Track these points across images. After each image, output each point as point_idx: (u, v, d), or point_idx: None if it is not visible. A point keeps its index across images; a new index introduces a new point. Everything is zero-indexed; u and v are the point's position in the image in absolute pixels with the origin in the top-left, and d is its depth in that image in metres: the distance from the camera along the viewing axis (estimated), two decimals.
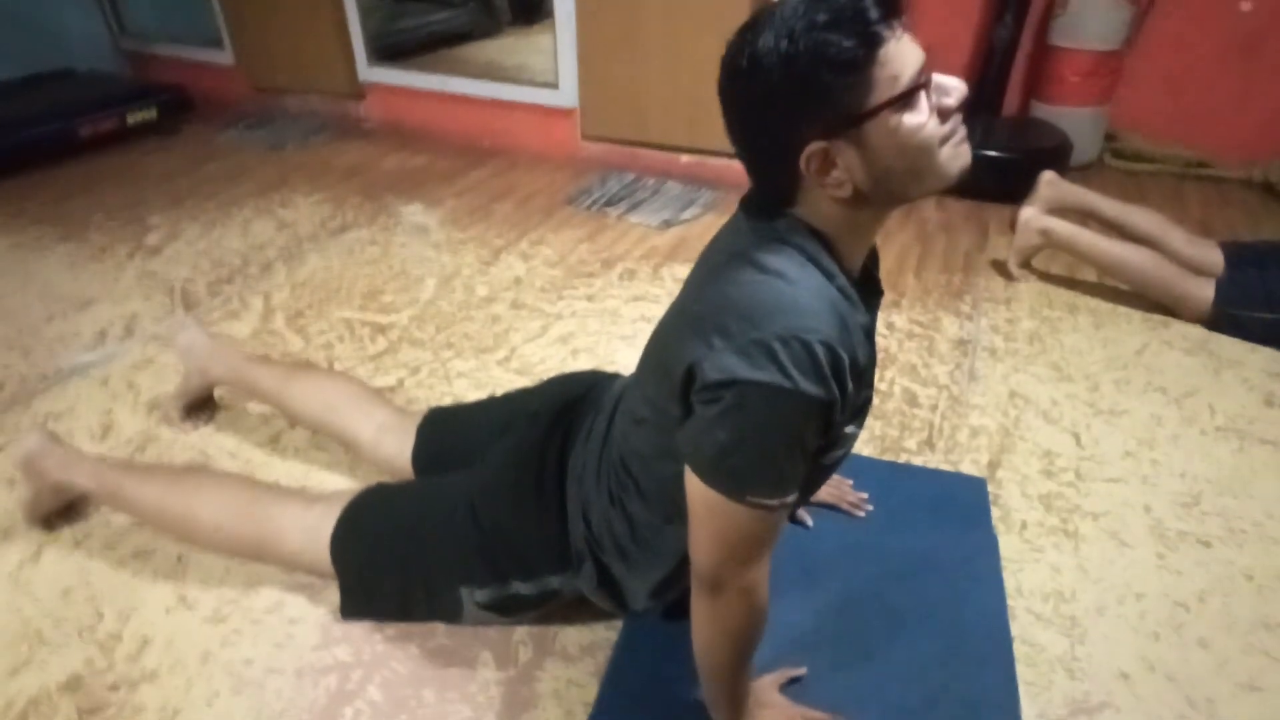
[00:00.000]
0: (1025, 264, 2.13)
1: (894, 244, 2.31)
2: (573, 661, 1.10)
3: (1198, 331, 1.89)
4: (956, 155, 0.74)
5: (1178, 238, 2.01)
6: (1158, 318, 1.94)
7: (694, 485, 0.78)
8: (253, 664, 1.08)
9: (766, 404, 0.72)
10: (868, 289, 0.86)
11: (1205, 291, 1.90)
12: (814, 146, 0.71)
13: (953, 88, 0.72)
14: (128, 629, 1.12)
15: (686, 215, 2.47)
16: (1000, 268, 2.16)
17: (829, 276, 0.77)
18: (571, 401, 1.12)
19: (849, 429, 0.87)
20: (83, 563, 1.22)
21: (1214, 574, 1.27)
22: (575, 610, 1.13)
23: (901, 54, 0.68)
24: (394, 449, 1.26)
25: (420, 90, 3.11)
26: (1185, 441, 1.54)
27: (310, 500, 1.15)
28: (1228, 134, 2.83)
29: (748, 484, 0.75)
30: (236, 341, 1.77)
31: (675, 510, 0.83)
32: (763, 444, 0.73)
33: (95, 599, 1.16)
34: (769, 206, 0.80)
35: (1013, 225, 2.10)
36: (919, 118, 0.70)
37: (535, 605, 1.08)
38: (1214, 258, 1.97)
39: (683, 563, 0.86)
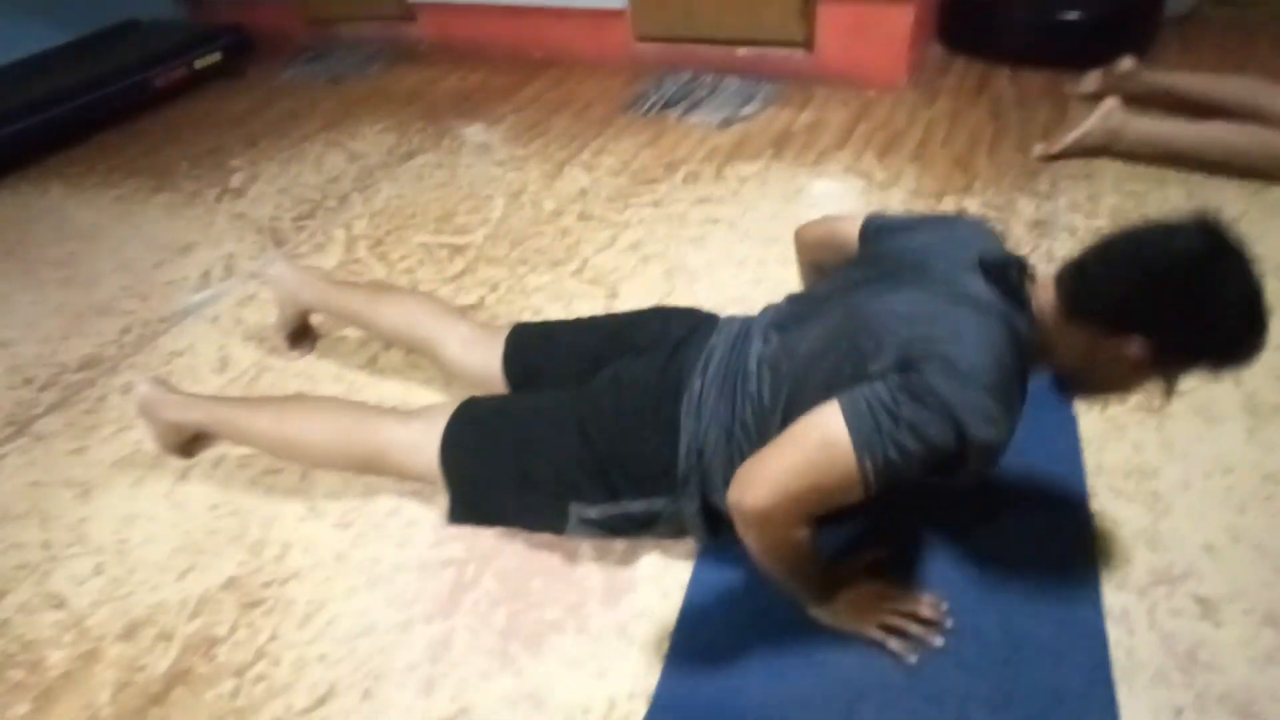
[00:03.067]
0: (1073, 151, 2.00)
1: (966, 123, 2.20)
2: (667, 548, 1.18)
3: None
4: None
5: (1266, 99, 1.85)
6: (1258, 183, 1.81)
7: (826, 419, 0.85)
8: (380, 561, 1.21)
9: (954, 432, 0.83)
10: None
11: None
12: (1141, 343, 0.85)
13: None
14: (270, 536, 1.27)
15: (747, 111, 2.40)
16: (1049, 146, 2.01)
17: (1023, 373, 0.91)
18: (679, 343, 1.17)
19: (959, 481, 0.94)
20: (223, 482, 1.37)
21: None
22: None
23: None
24: (480, 360, 1.33)
25: (469, 5, 3.06)
26: None
27: (406, 417, 1.24)
28: None
29: (877, 454, 0.83)
30: (324, 271, 1.88)
31: None
32: (919, 443, 0.83)
33: (239, 512, 1.31)
34: (1018, 294, 0.93)
35: (1097, 94, 1.96)
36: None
37: (638, 526, 1.14)
38: None
39: None
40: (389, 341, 1.58)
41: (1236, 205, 1.76)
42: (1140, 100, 2.06)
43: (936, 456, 0.85)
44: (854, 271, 1.07)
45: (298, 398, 1.45)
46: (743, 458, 1.02)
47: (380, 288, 1.53)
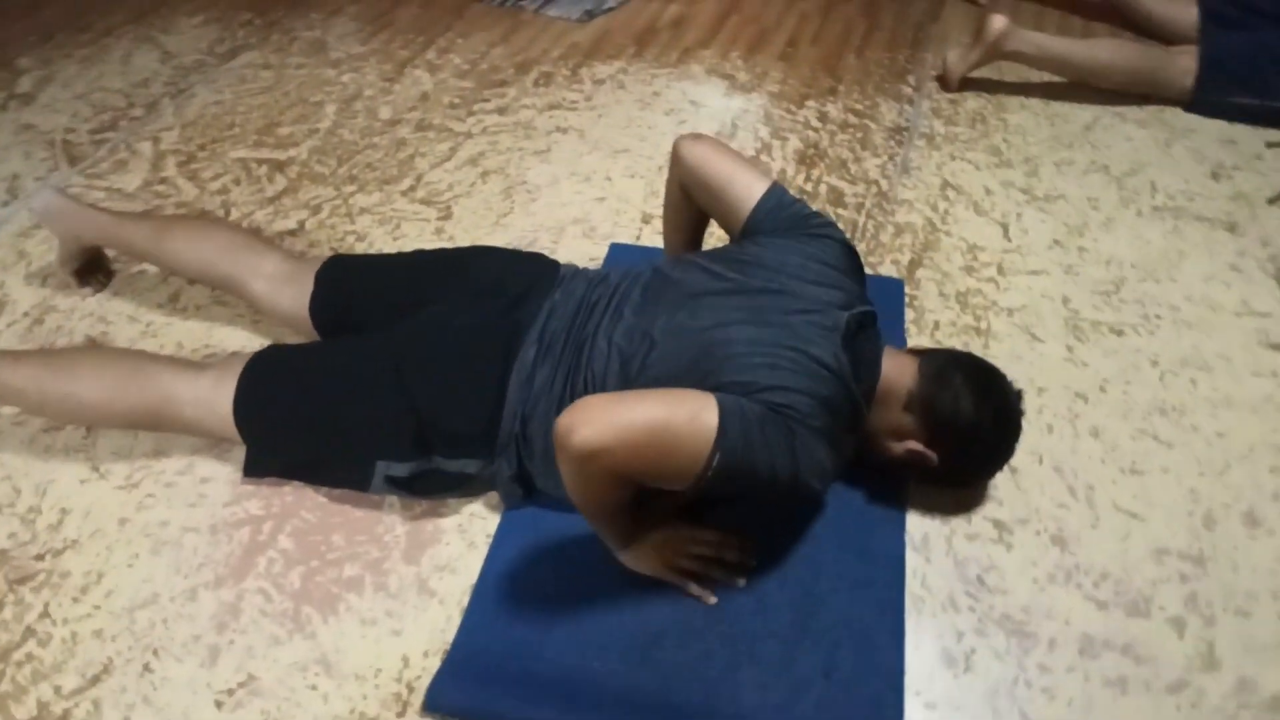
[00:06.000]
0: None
1: (839, 18, 2.08)
2: (476, 496, 1.13)
3: None
4: None
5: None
6: (1110, 92, 1.78)
7: (703, 400, 0.84)
8: (168, 525, 1.12)
9: (790, 468, 0.88)
10: None
11: (1185, 64, 1.70)
12: (918, 448, 1.00)
13: None
14: (45, 502, 1.15)
15: (611, 2, 2.21)
16: (944, 80, 1.87)
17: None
18: (518, 299, 1.10)
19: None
20: None
21: (1120, 363, 1.27)
22: None
23: None
24: (291, 300, 1.20)
25: None
26: (1118, 225, 1.48)
27: (198, 367, 1.13)
28: None
29: (729, 455, 0.83)
30: (125, 196, 1.67)
31: None
32: (767, 468, 0.86)
33: (10, 477, 1.19)
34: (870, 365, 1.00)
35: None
36: None
37: (447, 487, 1.09)
38: (1189, 16, 1.76)
39: None
40: (193, 279, 1.42)
41: (1091, 110, 1.74)
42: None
43: (769, 485, 0.88)
44: (727, 272, 1.03)
45: (66, 350, 1.29)
46: None
47: (168, 221, 1.36)
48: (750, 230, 1.09)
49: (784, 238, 1.06)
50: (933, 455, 0.99)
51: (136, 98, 1.98)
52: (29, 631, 1.01)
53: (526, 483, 1.08)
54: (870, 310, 1.02)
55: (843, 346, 0.94)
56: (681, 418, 0.83)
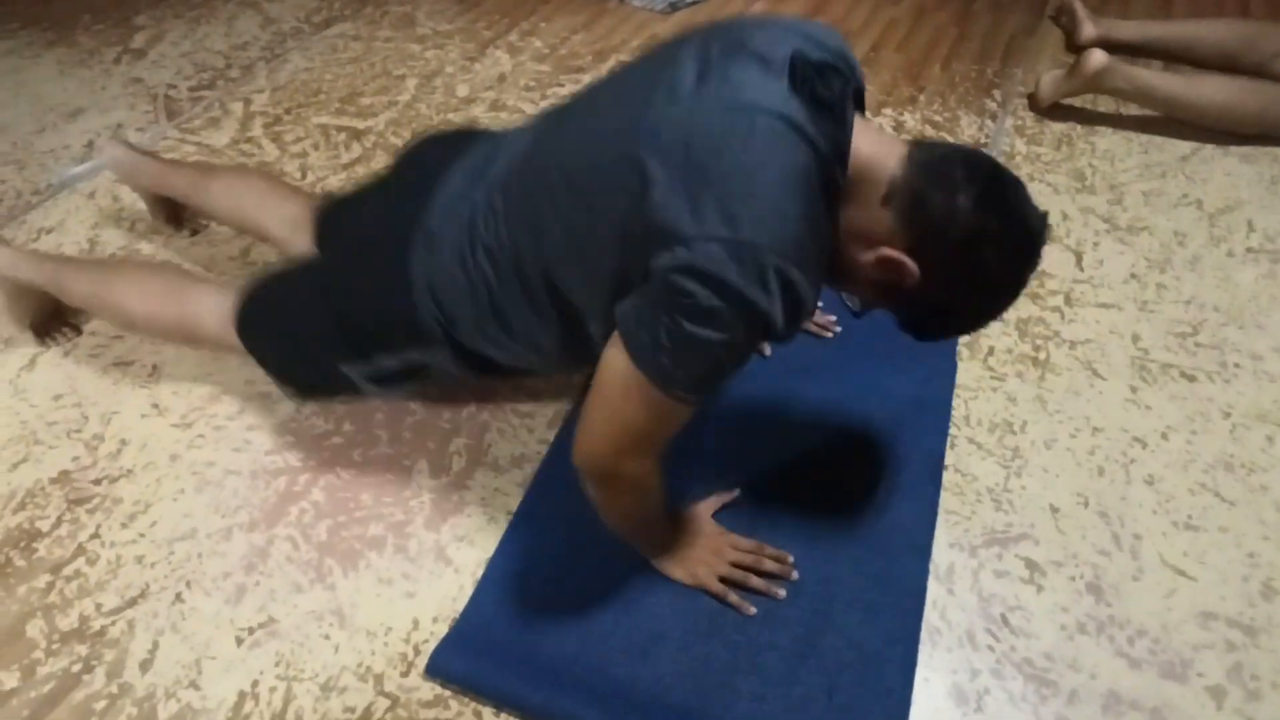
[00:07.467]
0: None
1: (928, 25, 2.01)
2: (502, 472, 1.15)
3: None
4: None
5: (1267, 44, 1.66)
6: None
7: (617, 364, 0.77)
8: (214, 465, 1.18)
9: (744, 323, 0.71)
10: None
11: None
12: (895, 255, 0.75)
13: None
14: (109, 431, 1.23)
15: None
16: (1034, 100, 1.77)
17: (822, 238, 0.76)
18: (432, 173, 1.00)
19: None
20: (71, 371, 1.32)
21: (1187, 410, 1.19)
22: (507, 423, 1.17)
23: None
24: (306, 246, 1.22)
25: None
26: (1205, 264, 1.38)
27: (225, 286, 1.16)
28: None
29: (682, 381, 0.75)
30: (213, 151, 1.76)
31: (564, 314, 0.87)
32: (718, 354, 0.74)
33: (81, 404, 1.27)
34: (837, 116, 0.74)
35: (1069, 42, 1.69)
36: None
37: (408, 378, 1.06)
38: None
39: (563, 339, 0.91)
40: (228, 225, 1.47)
41: (1192, 140, 1.63)
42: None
43: (747, 348, 0.77)
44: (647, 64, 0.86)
45: (122, 259, 1.37)
46: (499, 317, 0.92)
47: (209, 169, 1.43)
48: None
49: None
50: (913, 268, 0.75)
51: (235, 59, 2.07)
52: (80, 550, 1.08)
53: (473, 358, 1.01)
54: (832, 63, 0.77)
55: (791, 93, 0.72)
56: (618, 399, 0.78)
